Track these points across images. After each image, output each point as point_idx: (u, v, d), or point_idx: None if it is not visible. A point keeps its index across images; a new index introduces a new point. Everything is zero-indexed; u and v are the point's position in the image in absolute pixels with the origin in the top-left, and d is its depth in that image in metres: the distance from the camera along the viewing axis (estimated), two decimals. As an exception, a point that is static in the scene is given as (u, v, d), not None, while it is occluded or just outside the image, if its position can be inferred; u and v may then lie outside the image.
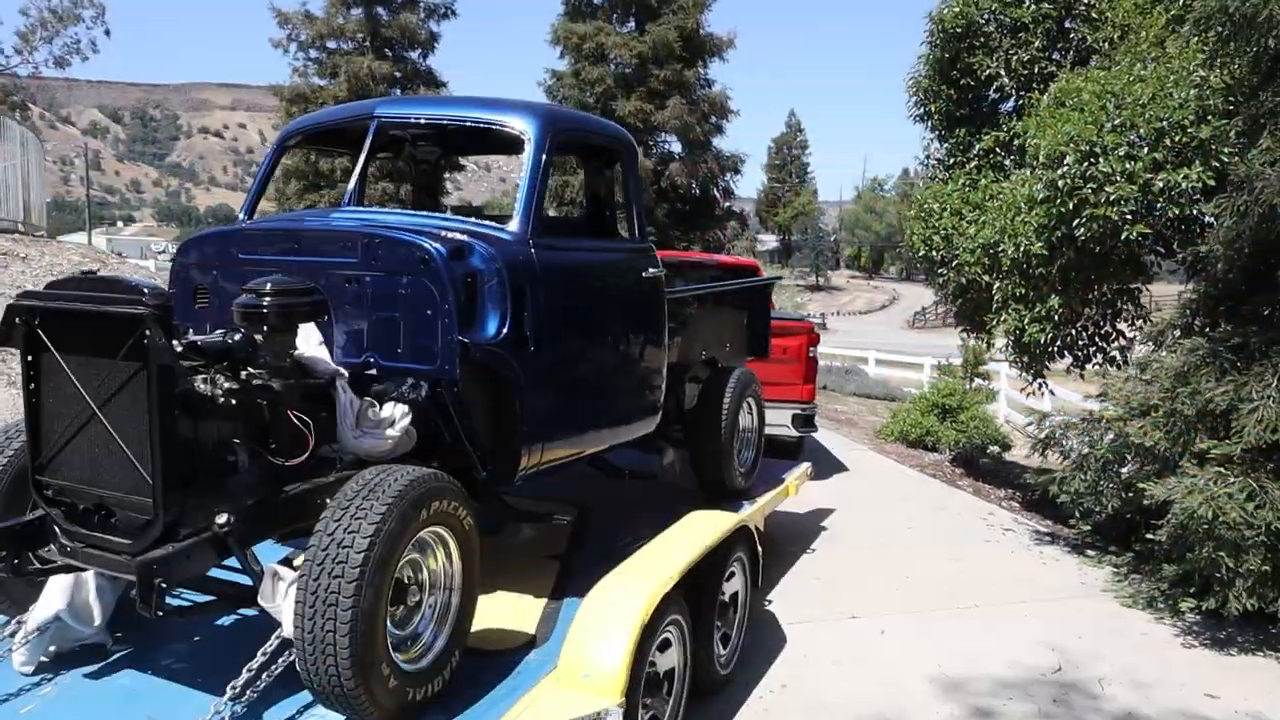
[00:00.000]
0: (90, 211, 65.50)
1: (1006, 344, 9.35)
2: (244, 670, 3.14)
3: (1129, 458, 6.61)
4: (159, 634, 3.85)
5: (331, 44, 30.97)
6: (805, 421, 9.52)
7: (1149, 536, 6.24)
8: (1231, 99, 6.96)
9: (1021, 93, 9.92)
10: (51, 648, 3.65)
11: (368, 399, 3.88)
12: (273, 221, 4.67)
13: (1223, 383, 5.70)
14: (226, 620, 4.04)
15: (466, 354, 3.75)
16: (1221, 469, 5.54)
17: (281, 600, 3.23)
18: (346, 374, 3.84)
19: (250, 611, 3.79)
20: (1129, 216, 7.23)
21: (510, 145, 4.83)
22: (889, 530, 8.28)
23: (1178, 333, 7.05)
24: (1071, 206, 7.51)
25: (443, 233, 3.98)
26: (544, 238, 4.22)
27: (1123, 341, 8.61)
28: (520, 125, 4.39)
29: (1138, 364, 6.80)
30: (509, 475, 4.05)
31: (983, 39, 10.00)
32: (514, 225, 4.16)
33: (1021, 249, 8.30)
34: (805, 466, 7.45)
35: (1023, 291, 8.60)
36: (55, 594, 3.72)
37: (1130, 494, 6.90)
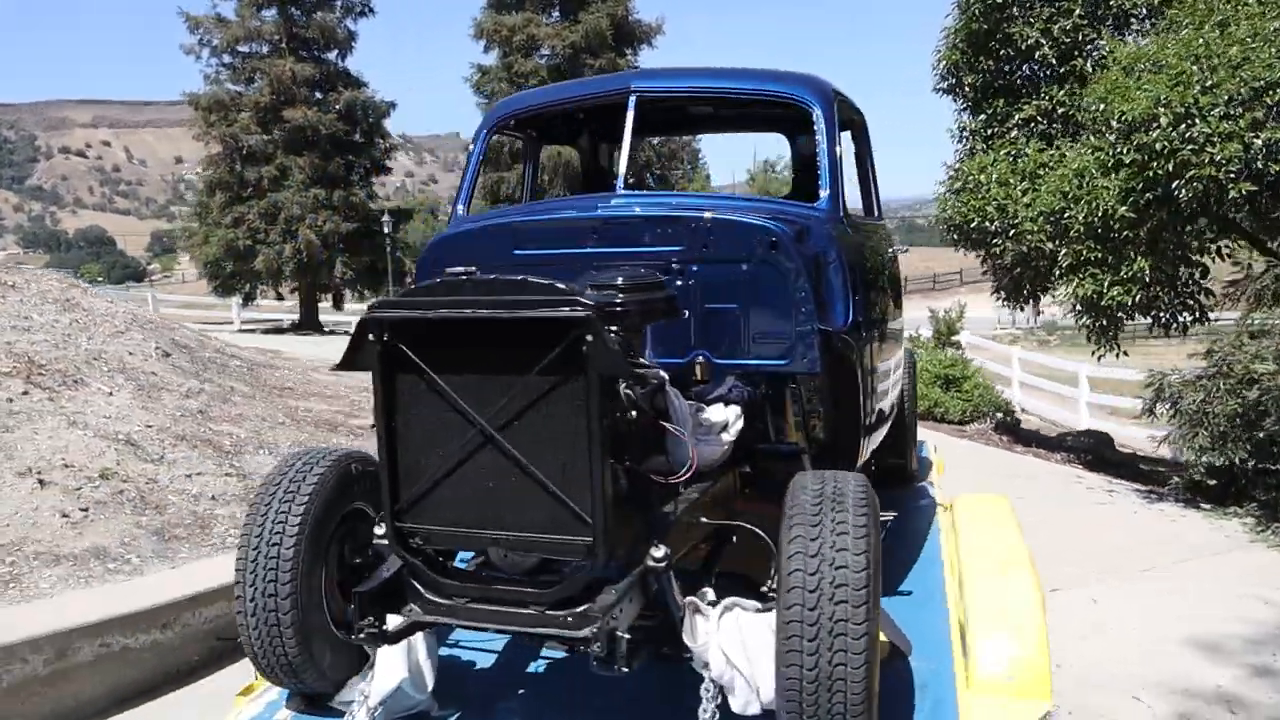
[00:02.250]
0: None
1: (1073, 308, 9.51)
2: None
3: (1272, 410, 6.76)
4: (482, 691, 3.47)
5: (244, 48, 29.65)
6: None
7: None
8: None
9: (1064, 61, 10.07)
10: None
11: (693, 403, 3.61)
12: (546, 212, 4.20)
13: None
14: (537, 666, 3.65)
15: (828, 344, 3.50)
16: None
17: (709, 638, 2.95)
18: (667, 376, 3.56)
19: (555, 653, 3.45)
20: (1233, 175, 7.40)
21: (783, 121, 4.58)
22: (999, 500, 8.31)
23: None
24: (1171, 168, 7.64)
25: (759, 212, 3.73)
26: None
27: (1209, 301, 8.84)
28: (806, 98, 4.11)
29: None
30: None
31: (1023, 8, 10.11)
32: (824, 203, 3.91)
33: (1100, 213, 8.44)
34: (931, 444, 7.40)
35: (1099, 255, 8.76)
36: (394, 660, 3.31)
37: (1256, 446, 7.11)
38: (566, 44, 29.59)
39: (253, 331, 26.56)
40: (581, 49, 30.00)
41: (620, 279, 3.05)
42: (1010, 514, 4.45)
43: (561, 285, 2.69)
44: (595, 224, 3.60)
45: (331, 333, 31.06)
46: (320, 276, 30.39)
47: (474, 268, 2.77)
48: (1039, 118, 10.27)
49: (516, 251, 3.63)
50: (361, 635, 2.79)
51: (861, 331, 3.78)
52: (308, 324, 30.64)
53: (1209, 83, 7.60)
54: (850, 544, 2.62)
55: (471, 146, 4.50)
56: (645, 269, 3.32)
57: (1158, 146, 7.69)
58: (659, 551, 2.76)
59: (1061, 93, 10.09)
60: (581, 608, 2.66)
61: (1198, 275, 8.76)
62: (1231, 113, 7.46)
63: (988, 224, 10.05)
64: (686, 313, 3.47)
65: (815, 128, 4.01)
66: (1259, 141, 7.33)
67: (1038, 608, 3.47)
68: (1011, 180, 9.91)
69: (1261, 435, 7.03)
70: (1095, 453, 11.07)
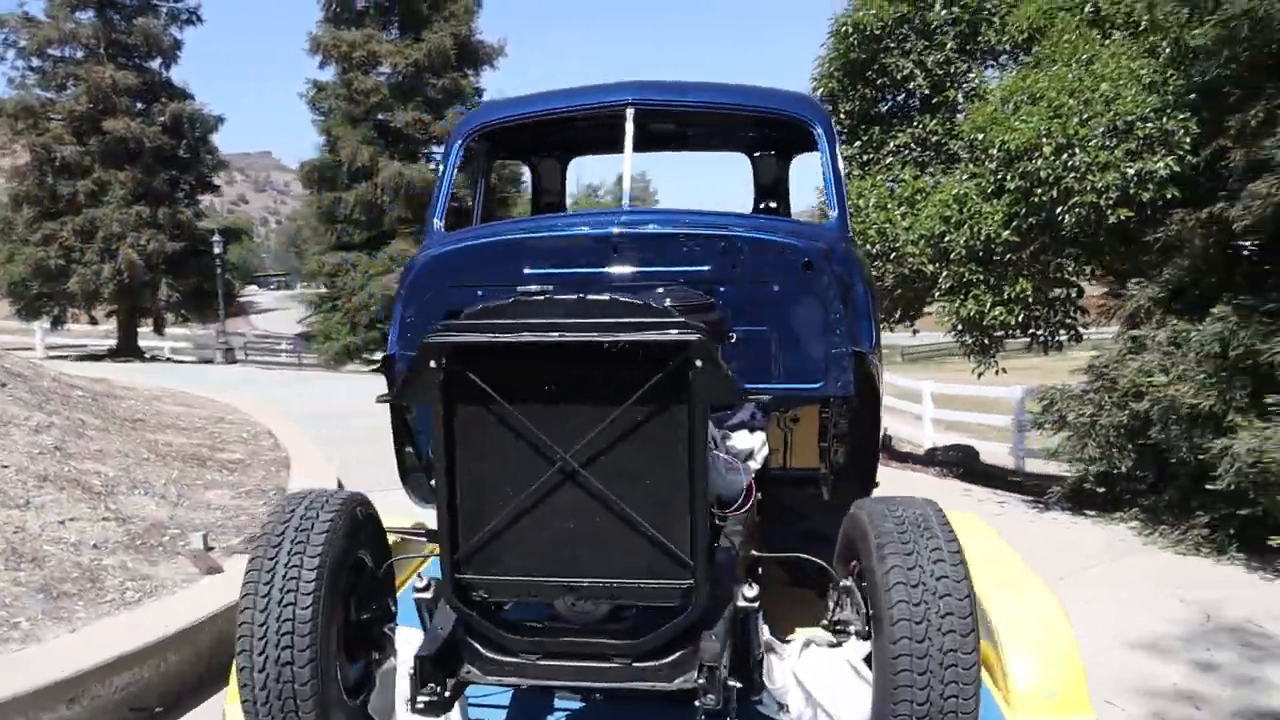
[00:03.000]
0: None
1: (953, 327, 9.89)
2: None
3: (1156, 420, 7.16)
4: None
5: (57, 51, 27.34)
6: None
7: (1209, 487, 6.78)
8: (1192, 96, 7.76)
9: (937, 92, 10.51)
10: None
11: (721, 430, 3.43)
12: (554, 228, 3.86)
13: (1274, 341, 6.35)
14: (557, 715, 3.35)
15: (861, 366, 3.40)
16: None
17: (786, 678, 2.78)
18: None
19: (570, 703, 3.18)
20: (1112, 202, 7.88)
21: (773, 140, 4.46)
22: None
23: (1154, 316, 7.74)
24: (1055, 195, 8.06)
25: (784, 231, 3.60)
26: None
27: (1083, 320, 9.37)
28: (809, 116, 4.03)
29: (1166, 337, 7.32)
30: (866, 495, 3.75)
31: (898, 40, 10.49)
32: (834, 223, 3.81)
33: (982, 236, 8.83)
34: None
35: (980, 277, 9.16)
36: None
37: (1138, 454, 7.57)
38: (409, 62, 28.85)
39: (64, 358, 24.28)
40: (425, 67, 29.33)
41: (672, 300, 2.83)
42: (989, 530, 4.47)
43: (644, 304, 2.47)
44: (616, 241, 3.38)
45: (154, 359, 28.90)
46: (142, 299, 28.24)
47: (550, 286, 2.49)
48: (913, 145, 10.67)
49: (528, 270, 3.35)
50: (420, 706, 2.44)
51: (881, 352, 3.72)
52: (126, 350, 28.36)
53: (1086, 116, 8.08)
54: (950, 571, 2.51)
55: (444, 161, 4.13)
56: (690, 288, 3.14)
57: (1042, 174, 8.11)
58: (751, 590, 2.57)
59: (934, 122, 10.53)
60: (673, 656, 2.43)
61: (1073, 295, 9.30)
62: (1108, 144, 7.96)
63: (869, 247, 10.33)
64: (734, 337, 3.29)
65: (819, 147, 3.92)
66: (1132, 171, 7.85)
67: (1063, 620, 3.46)
68: (890, 205, 10.25)
69: (1146, 444, 7.46)
70: (965, 466, 11.55)
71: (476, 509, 2.41)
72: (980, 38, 10.39)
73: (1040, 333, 9.41)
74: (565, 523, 2.39)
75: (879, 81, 10.79)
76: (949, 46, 10.40)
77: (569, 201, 5.46)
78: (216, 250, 28.46)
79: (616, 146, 4.96)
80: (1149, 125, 7.80)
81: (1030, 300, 8.83)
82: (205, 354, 29.25)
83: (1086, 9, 9.43)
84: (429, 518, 3.02)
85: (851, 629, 2.80)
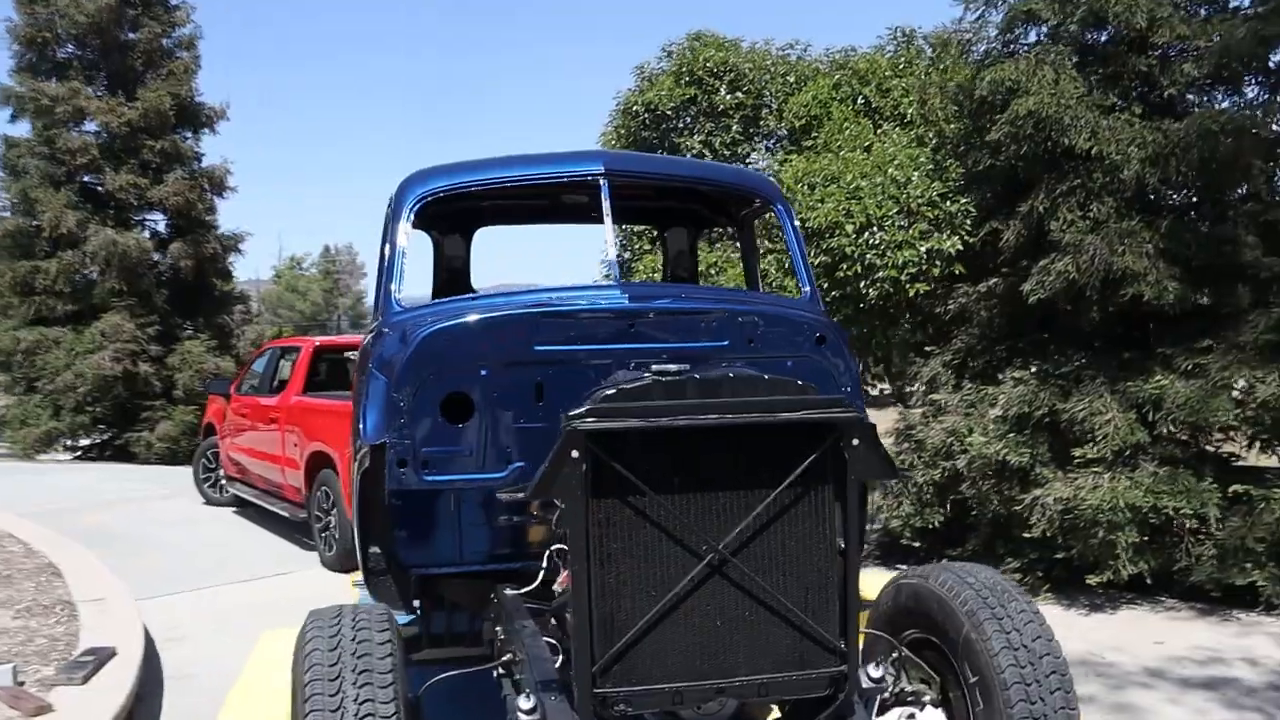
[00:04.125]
0: None
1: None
2: None
3: (968, 476, 7.80)
4: None
5: None
6: None
7: (1025, 535, 7.41)
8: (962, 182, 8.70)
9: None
10: None
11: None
12: (555, 301, 3.45)
13: (1071, 401, 7.14)
14: None
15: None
16: (1094, 470, 6.93)
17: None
18: None
19: None
20: (910, 277, 8.61)
21: (732, 216, 4.47)
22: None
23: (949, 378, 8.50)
24: (860, 269, 8.69)
25: (779, 306, 3.64)
26: None
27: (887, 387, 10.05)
28: (769, 193, 4.11)
29: (962, 400, 8.00)
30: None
31: (686, 121, 10.99)
32: (809, 298, 3.89)
33: (787, 309, 9.34)
34: None
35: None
36: None
37: (950, 509, 8.22)
38: (122, 121, 26.41)
39: None
40: (140, 128, 26.96)
41: (736, 375, 2.73)
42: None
43: (785, 380, 2.42)
44: (631, 317, 3.22)
45: None
46: None
47: (686, 365, 2.34)
48: (706, 222, 11.14)
49: (537, 347, 3.11)
50: None
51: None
52: None
53: (880, 198, 8.82)
54: (1043, 631, 2.66)
55: (391, 224, 3.69)
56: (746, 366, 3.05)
57: (847, 250, 8.73)
58: (877, 671, 2.57)
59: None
60: None
61: (875, 363, 10.03)
62: (902, 224, 8.72)
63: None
64: None
65: (781, 221, 4.01)
66: (924, 248, 8.64)
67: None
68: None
69: (957, 498, 8.09)
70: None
71: (616, 614, 2.20)
72: (762, 122, 11.12)
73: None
74: (714, 618, 2.24)
75: (671, 160, 11.21)
76: (734, 130, 11.03)
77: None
78: None
79: (572, 216, 4.81)
80: (935, 210, 8.64)
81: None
82: None
83: (858, 100, 10.37)
84: None
85: (926, 699, 2.83)
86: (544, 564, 2.93)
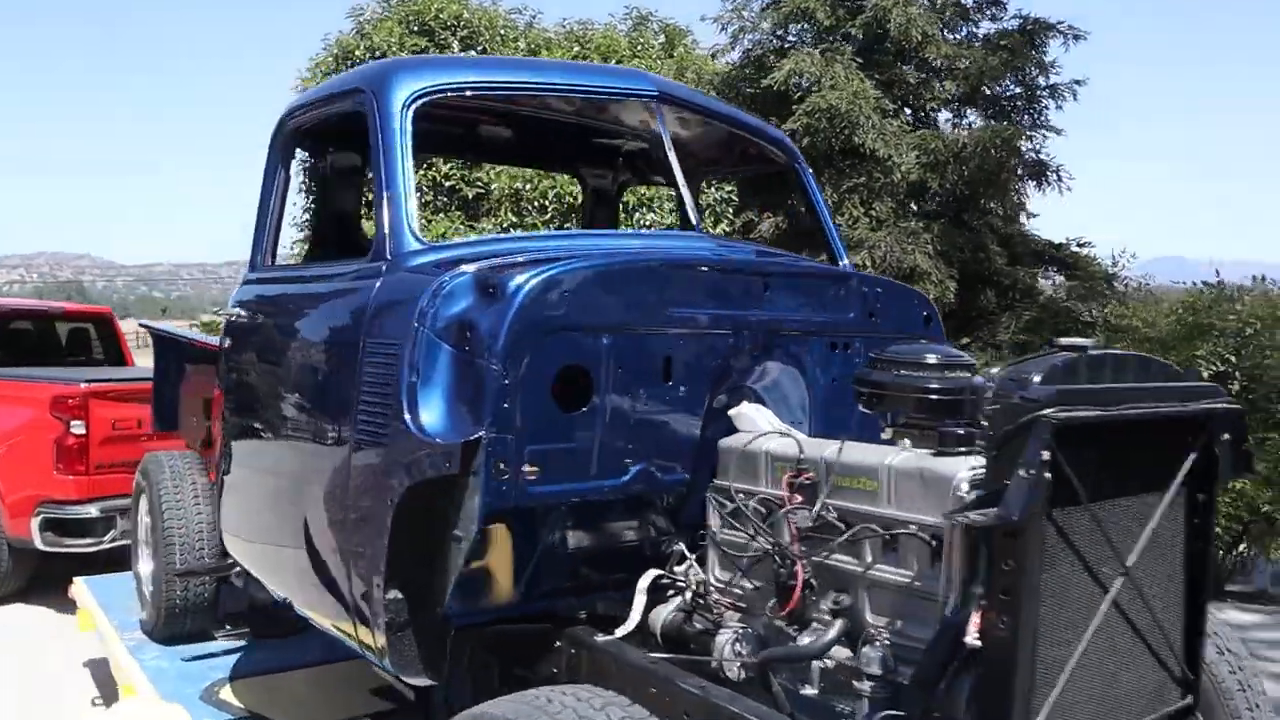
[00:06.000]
0: None
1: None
2: None
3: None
4: None
5: None
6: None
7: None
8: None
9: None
10: None
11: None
12: (672, 250, 2.72)
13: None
14: None
15: None
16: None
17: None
18: None
19: None
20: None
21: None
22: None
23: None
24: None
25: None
26: None
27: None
28: (789, 149, 3.59)
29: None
30: None
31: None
32: (849, 268, 3.46)
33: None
34: None
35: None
36: None
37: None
38: None
39: None
40: None
41: (930, 356, 2.17)
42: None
43: (1168, 364, 1.98)
44: (769, 278, 2.54)
45: None
46: None
47: (1087, 340, 1.72)
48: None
49: (674, 310, 2.31)
50: None
51: None
52: None
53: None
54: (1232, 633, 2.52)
55: (382, 131, 2.56)
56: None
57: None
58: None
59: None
60: None
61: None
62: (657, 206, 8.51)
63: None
64: None
65: (804, 177, 3.53)
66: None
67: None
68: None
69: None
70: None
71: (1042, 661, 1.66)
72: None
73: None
74: (1107, 657, 1.78)
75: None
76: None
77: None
78: None
79: (583, 155, 3.96)
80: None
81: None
82: None
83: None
84: None
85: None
86: (663, 595, 2.26)
